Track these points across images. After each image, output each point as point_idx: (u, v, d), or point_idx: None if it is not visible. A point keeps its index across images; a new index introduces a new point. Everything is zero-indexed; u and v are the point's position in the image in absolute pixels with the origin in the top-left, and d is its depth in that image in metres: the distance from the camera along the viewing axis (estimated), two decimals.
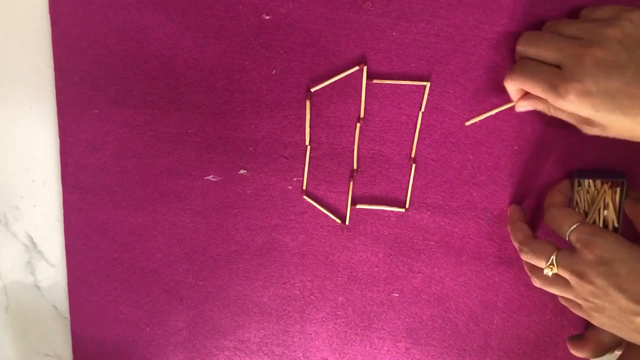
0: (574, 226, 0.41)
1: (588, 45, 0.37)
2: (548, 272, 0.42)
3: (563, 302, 0.44)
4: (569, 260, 0.40)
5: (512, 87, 0.42)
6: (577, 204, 0.45)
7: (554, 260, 0.41)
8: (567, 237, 0.41)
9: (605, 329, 0.41)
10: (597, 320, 0.41)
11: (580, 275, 0.39)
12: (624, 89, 0.36)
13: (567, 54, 0.38)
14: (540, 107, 0.42)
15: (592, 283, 0.39)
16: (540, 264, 0.42)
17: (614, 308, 0.39)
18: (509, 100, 0.45)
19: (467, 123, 0.46)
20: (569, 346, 0.47)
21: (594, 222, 0.44)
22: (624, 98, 0.36)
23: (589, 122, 0.39)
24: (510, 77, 0.41)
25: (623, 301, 0.38)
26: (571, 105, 0.38)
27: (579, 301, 0.41)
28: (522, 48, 0.41)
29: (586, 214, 0.45)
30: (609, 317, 0.40)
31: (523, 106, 0.43)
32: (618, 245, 0.38)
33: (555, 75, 0.38)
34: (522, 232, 0.45)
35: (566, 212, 0.42)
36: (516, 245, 0.45)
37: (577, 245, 0.40)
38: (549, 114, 0.42)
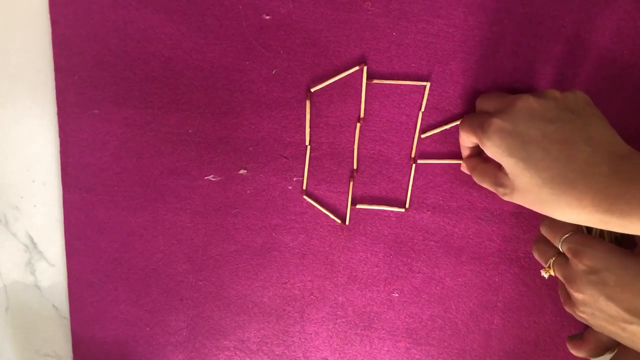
0: (566, 236, 0.41)
1: (523, 96, 0.39)
2: (544, 274, 0.43)
3: (568, 310, 0.44)
4: (563, 267, 0.41)
5: (461, 139, 0.44)
6: None
7: (551, 264, 0.42)
8: (559, 247, 0.42)
9: (605, 333, 0.41)
10: (595, 326, 0.42)
11: (571, 284, 0.40)
12: (539, 139, 0.37)
13: (503, 101, 0.40)
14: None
15: (582, 292, 0.39)
16: (555, 241, 0.42)
17: (606, 316, 0.39)
18: None
19: (424, 135, 0.47)
20: (568, 346, 0.47)
21: (601, 231, 0.44)
22: (537, 149, 0.37)
23: (500, 180, 0.40)
24: (460, 126, 0.44)
25: (613, 310, 0.38)
26: (490, 145, 0.39)
27: (575, 309, 0.42)
28: (476, 106, 0.44)
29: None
30: (602, 323, 0.40)
31: (463, 167, 0.46)
32: (607, 254, 0.39)
33: (486, 116, 0.40)
34: None
35: (559, 222, 0.42)
36: (541, 219, 0.45)
37: (569, 255, 0.40)
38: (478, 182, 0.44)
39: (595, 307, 0.39)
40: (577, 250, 0.40)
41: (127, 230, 0.50)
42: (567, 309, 0.44)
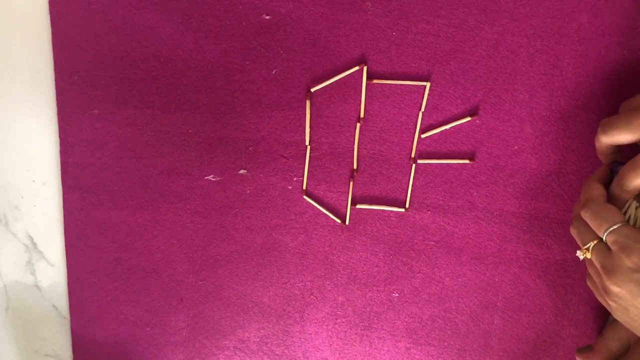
0: (614, 227, 0.39)
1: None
2: (580, 255, 0.41)
3: (590, 285, 0.44)
4: (603, 256, 0.39)
5: (608, 140, 0.40)
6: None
7: (591, 248, 0.40)
8: (604, 237, 0.39)
9: (626, 325, 0.40)
10: (618, 316, 0.40)
11: (610, 275, 0.38)
12: None
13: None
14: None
15: (620, 286, 0.38)
16: (599, 230, 0.40)
17: None
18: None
19: (424, 135, 0.47)
20: (577, 358, 0.47)
21: (636, 219, 0.41)
22: None
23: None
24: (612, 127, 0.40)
25: None
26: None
27: (604, 295, 0.41)
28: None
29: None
30: (631, 318, 0.39)
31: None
32: None
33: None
34: (597, 190, 0.42)
35: (606, 210, 0.40)
36: (582, 200, 0.42)
37: (614, 248, 0.38)
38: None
39: (631, 303, 0.38)
40: (626, 246, 0.37)
41: (127, 230, 0.50)
42: (589, 284, 0.43)
